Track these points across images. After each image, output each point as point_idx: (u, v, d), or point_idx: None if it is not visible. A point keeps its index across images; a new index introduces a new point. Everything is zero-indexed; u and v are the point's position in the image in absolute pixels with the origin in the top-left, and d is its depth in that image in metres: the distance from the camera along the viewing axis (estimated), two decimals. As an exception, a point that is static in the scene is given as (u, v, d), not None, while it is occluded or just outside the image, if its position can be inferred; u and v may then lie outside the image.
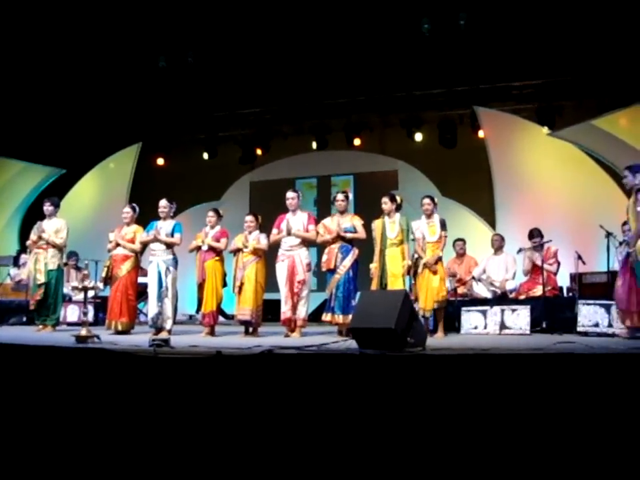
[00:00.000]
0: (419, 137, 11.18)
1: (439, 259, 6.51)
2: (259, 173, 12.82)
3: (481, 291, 8.03)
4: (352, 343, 4.52)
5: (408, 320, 4.38)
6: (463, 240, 8.67)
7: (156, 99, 11.38)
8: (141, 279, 7.66)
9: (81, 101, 11.15)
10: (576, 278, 6.90)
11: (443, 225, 6.54)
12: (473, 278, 8.15)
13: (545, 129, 10.13)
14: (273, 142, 12.40)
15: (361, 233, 6.66)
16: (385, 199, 6.63)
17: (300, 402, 3.14)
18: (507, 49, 9.19)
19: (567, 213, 9.57)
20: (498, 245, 8.22)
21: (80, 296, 8.96)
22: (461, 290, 8.20)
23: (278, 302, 6.91)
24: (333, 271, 6.60)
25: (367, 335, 4.45)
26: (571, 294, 7.40)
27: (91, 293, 6.01)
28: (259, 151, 12.43)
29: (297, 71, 10.21)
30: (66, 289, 8.55)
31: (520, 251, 7.45)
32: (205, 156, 12.56)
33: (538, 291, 7.14)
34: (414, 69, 10.01)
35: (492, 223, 10.56)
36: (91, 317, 8.59)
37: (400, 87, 10.73)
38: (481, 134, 10.68)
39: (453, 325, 6.99)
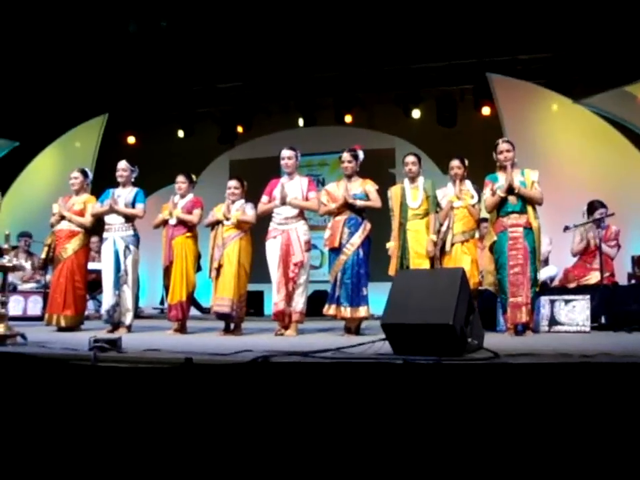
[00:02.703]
0: (416, 113, 10.58)
1: (472, 236, 5.33)
2: (240, 151, 11.97)
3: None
4: (383, 346, 3.16)
5: (467, 312, 3.02)
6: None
7: (125, 69, 10.46)
8: (93, 265, 6.45)
9: (40, 66, 10.11)
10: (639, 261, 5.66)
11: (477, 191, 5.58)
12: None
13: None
14: (255, 119, 11.61)
15: (375, 201, 5.37)
16: (414, 159, 5.53)
17: (312, 436, 2.24)
18: (513, 19, 8.35)
19: (593, 190, 8.54)
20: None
21: (27, 285, 8.13)
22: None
23: (261, 293, 5.82)
24: (337, 251, 5.28)
25: (407, 334, 3.08)
26: (633, 281, 6.19)
27: (17, 277, 4.59)
28: (239, 129, 11.66)
29: (283, 41, 9.39)
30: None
31: (567, 228, 6.14)
32: (181, 134, 11.80)
33: (592, 278, 6.01)
34: (411, 41, 9.23)
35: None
36: (39, 309, 7.61)
37: (396, 60, 9.97)
38: (484, 111, 9.96)
39: (487, 320, 5.66)
